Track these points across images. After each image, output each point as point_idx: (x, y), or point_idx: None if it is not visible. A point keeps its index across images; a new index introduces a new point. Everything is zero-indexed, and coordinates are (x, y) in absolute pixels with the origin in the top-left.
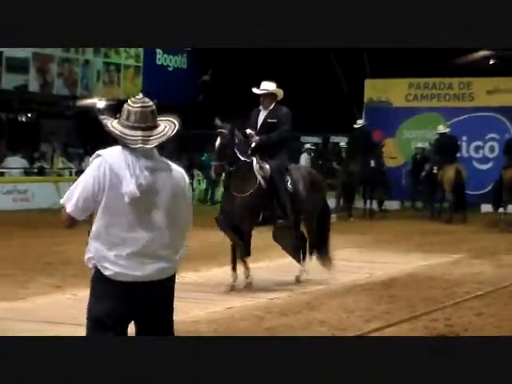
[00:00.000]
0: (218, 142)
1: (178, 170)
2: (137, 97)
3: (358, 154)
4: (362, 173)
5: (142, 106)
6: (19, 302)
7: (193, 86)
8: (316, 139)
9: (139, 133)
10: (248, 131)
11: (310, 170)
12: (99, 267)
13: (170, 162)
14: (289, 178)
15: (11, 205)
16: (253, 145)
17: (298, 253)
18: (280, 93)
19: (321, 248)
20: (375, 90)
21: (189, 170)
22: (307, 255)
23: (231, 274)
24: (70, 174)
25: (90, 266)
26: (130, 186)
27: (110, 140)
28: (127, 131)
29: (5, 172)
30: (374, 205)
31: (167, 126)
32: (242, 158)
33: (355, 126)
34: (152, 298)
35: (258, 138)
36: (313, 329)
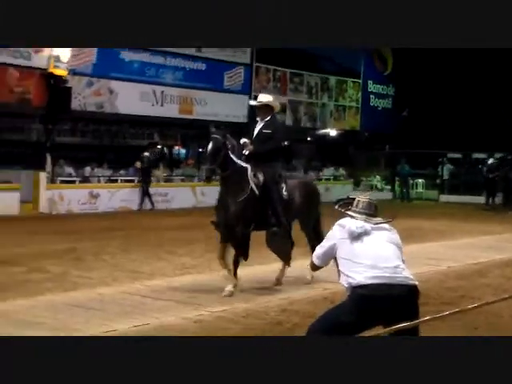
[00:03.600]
0: (210, 147)
1: (393, 228)
2: (365, 195)
3: None
4: None
5: (368, 199)
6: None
7: (395, 120)
8: (483, 155)
9: (364, 216)
10: (243, 140)
11: (306, 180)
12: (348, 282)
13: (387, 224)
14: (284, 186)
15: None
16: (246, 153)
17: (288, 256)
18: (275, 104)
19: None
20: None
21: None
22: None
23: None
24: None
25: (345, 285)
26: (350, 227)
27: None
28: (355, 214)
29: None
30: None
31: (384, 220)
32: (238, 162)
33: None
34: (393, 311)
35: (251, 147)
36: (481, 289)
